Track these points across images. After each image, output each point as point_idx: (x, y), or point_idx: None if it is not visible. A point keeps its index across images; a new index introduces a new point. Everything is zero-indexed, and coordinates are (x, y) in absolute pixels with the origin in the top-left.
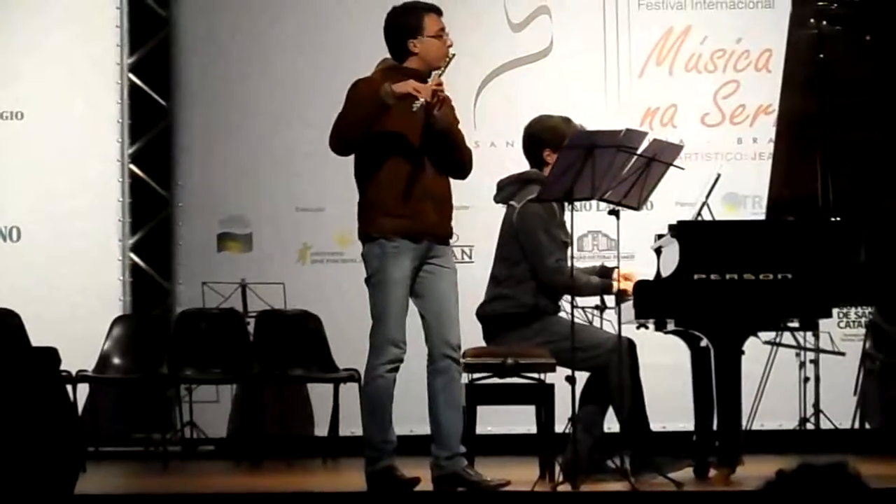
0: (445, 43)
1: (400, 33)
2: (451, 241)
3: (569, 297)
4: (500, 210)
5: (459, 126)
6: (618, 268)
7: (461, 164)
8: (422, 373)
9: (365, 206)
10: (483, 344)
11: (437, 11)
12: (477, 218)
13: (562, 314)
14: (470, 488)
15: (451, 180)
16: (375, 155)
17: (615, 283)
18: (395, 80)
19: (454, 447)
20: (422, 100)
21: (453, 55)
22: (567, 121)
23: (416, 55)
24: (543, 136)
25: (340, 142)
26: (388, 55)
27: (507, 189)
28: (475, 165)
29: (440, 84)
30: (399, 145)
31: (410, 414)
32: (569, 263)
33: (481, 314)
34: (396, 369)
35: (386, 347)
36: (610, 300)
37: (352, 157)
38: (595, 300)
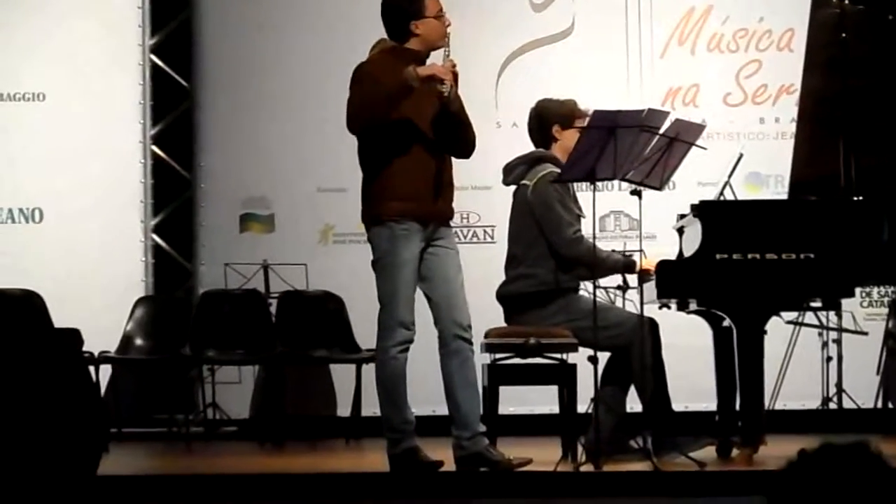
0: (444, 22)
1: (401, 15)
2: (451, 221)
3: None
4: None
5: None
6: (642, 251)
7: (468, 143)
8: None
9: (374, 191)
10: (504, 324)
11: None
12: (498, 198)
13: (583, 293)
14: (492, 468)
15: (456, 162)
16: (386, 141)
17: (638, 261)
18: (400, 63)
19: (474, 427)
20: (448, 83)
21: (450, 34)
22: (574, 102)
23: (418, 37)
24: (552, 114)
25: (361, 122)
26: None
27: (518, 169)
28: (496, 146)
29: (454, 64)
30: (410, 131)
31: (431, 395)
32: (586, 236)
33: (502, 294)
34: (407, 349)
35: (396, 330)
36: (632, 280)
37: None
38: (617, 279)
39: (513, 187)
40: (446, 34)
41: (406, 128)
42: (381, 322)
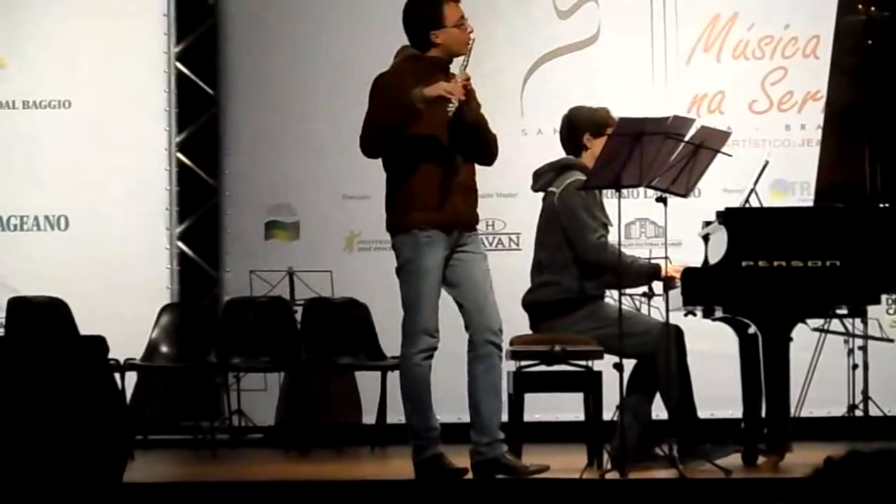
0: (466, 30)
1: (421, 24)
2: (477, 227)
3: (616, 288)
4: None
5: (482, 110)
6: (667, 258)
7: (489, 151)
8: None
9: (396, 200)
10: (530, 331)
11: None
12: (524, 206)
13: (608, 300)
14: (509, 475)
15: (481, 169)
16: (406, 154)
17: (663, 267)
18: (420, 72)
19: (493, 433)
20: (455, 102)
21: (473, 41)
22: (607, 110)
23: (439, 45)
24: (584, 121)
25: (371, 147)
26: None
27: (545, 176)
28: (522, 152)
29: (468, 79)
30: (429, 145)
31: (458, 402)
32: (611, 242)
33: (528, 302)
34: (431, 357)
35: (420, 337)
36: (658, 287)
37: None
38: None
39: (541, 194)
40: (468, 42)
41: (426, 139)
42: (405, 329)
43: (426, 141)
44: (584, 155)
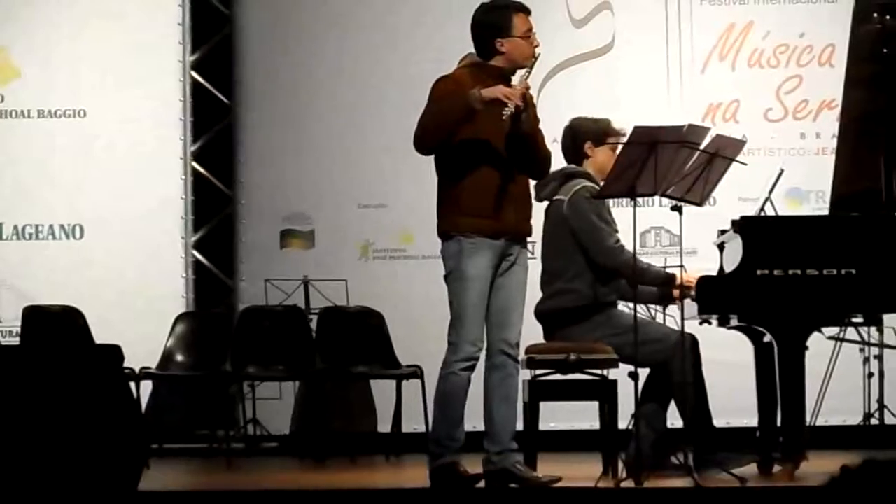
0: (532, 43)
1: (487, 32)
2: (528, 239)
3: (629, 296)
4: None
5: (540, 126)
6: (682, 266)
7: (540, 165)
8: None
9: (444, 205)
10: (544, 340)
11: (526, 11)
12: (537, 215)
13: (623, 308)
14: (520, 485)
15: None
16: (460, 158)
17: (678, 276)
18: (481, 79)
19: (505, 443)
20: (511, 107)
21: (539, 55)
22: (608, 121)
23: (503, 55)
24: (586, 130)
25: (424, 143)
26: (458, 53)
27: (551, 185)
28: None
29: (528, 87)
30: (484, 150)
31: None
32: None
33: (541, 311)
34: (472, 368)
35: (462, 346)
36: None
37: (418, 156)
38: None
39: (545, 203)
40: (533, 54)
41: (479, 144)
42: (450, 336)
43: (478, 145)
44: (586, 163)
